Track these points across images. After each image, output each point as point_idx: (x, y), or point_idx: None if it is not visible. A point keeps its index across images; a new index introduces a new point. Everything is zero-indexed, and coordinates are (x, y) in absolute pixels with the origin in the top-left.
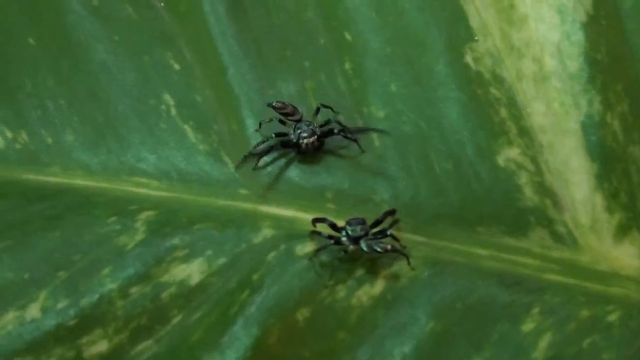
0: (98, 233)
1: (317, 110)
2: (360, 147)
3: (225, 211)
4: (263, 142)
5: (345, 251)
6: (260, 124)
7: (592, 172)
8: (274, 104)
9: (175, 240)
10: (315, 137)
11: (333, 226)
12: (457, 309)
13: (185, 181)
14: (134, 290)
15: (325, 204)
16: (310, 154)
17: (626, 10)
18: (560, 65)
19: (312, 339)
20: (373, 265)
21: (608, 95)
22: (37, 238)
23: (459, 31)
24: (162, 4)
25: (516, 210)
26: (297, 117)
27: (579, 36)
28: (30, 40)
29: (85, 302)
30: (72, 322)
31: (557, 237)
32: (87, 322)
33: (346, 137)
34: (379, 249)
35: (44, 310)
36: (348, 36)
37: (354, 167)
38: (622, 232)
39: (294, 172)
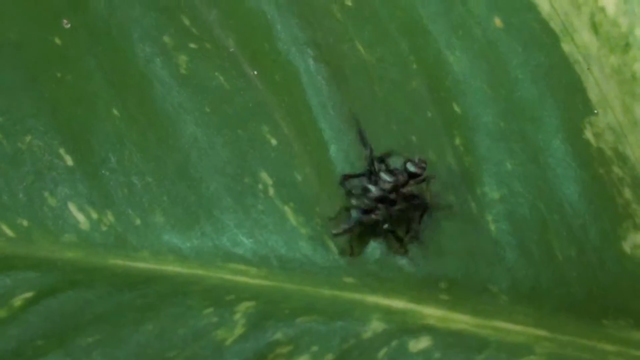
0: (193, 326)
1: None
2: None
3: (330, 302)
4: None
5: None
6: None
7: None
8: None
9: (278, 335)
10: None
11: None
12: None
13: (286, 269)
14: None
15: (438, 294)
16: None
17: None
18: None
19: None
20: None
21: None
22: (128, 332)
23: (577, 104)
24: (256, 72)
25: None
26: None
27: None
28: (115, 112)
29: None
30: None
31: None
32: None
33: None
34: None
35: None
36: (457, 109)
37: (468, 254)
38: None
39: (404, 259)
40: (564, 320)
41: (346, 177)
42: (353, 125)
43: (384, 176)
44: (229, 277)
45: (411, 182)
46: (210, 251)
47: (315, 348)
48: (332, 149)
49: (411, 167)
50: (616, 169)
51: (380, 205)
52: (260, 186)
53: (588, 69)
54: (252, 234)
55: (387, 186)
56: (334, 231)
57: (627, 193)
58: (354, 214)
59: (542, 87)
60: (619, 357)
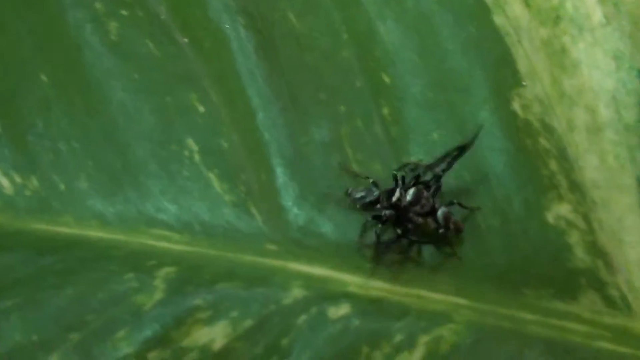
0: (113, 291)
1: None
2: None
3: (252, 268)
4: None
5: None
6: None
7: None
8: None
9: (198, 300)
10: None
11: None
12: None
13: (209, 235)
14: (152, 355)
15: (360, 262)
16: None
17: None
18: (616, 115)
19: None
20: (412, 328)
21: None
22: (47, 295)
23: (506, 76)
24: (186, 40)
25: (566, 271)
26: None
27: (636, 84)
28: (43, 77)
29: None
30: None
31: (609, 302)
32: None
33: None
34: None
35: None
36: (386, 79)
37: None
38: None
39: (328, 227)
40: (485, 289)
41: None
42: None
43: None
44: (151, 242)
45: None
46: (134, 217)
47: (234, 313)
48: (260, 117)
49: (440, 215)
50: (542, 141)
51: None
52: (186, 153)
53: (518, 41)
54: (176, 200)
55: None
56: (371, 256)
57: (553, 164)
58: (378, 230)
59: (472, 59)
60: (539, 326)
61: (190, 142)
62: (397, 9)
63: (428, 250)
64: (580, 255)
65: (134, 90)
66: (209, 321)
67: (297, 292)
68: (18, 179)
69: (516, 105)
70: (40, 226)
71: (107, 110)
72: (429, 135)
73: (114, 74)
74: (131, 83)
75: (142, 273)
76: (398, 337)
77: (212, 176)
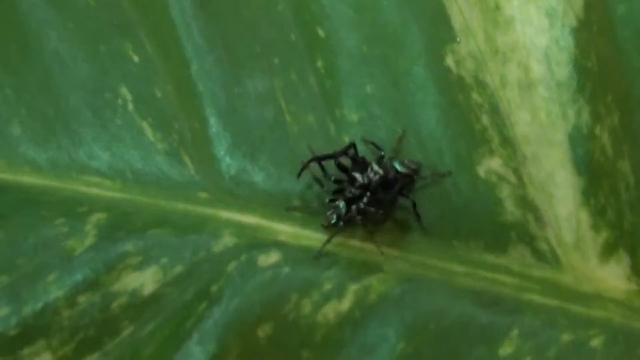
0: (44, 235)
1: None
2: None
3: (183, 216)
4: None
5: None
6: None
7: (578, 187)
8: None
9: (128, 246)
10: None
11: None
12: (431, 330)
13: (141, 182)
14: (81, 299)
15: (291, 211)
16: None
17: (619, 16)
18: (548, 72)
19: (274, 358)
20: (342, 277)
21: (597, 106)
22: None
23: (440, 31)
24: None
25: (496, 225)
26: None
27: (568, 42)
28: None
29: (28, 310)
30: (13, 332)
31: (538, 255)
32: (30, 332)
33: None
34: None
35: None
36: (321, 32)
37: (323, 171)
38: (608, 251)
39: (259, 176)
40: (415, 240)
41: (317, 160)
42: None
43: (375, 167)
44: (83, 189)
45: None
46: (66, 163)
47: (164, 260)
48: (194, 67)
49: (399, 167)
50: (475, 96)
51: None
52: (119, 101)
53: None
54: (108, 148)
55: (376, 177)
56: (325, 224)
57: (485, 119)
58: (341, 205)
59: (407, 14)
60: (468, 278)
61: (124, 91)
62: None
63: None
64: (511, 209)
65: (69, 39)
66: (139, 267)
67: (227, 240)
68: None
69: (450, 61)
70: None
71: (41, 58)
72: (363, 89)
73: (49, 23)
74: (66, 32)
75: (74, 219)
76: (327, 286)
77: (145, 125)
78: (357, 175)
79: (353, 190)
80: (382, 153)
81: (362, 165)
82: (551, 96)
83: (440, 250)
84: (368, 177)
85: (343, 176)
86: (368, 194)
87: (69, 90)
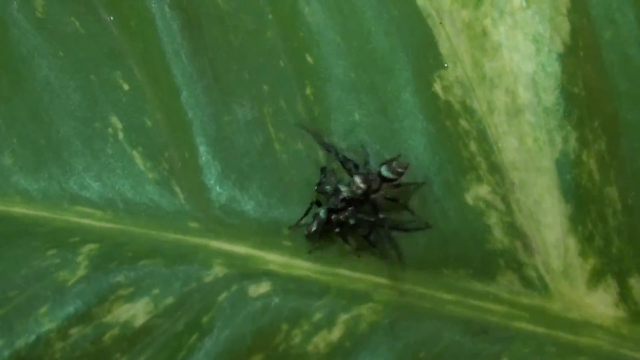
0: (36, 267)
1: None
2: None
3: (174, 246)
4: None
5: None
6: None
7: (566, 213)
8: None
9: (120, 277)
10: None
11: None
12: (421, 359)
13: (132, 212)
14: (73, 331)
15: (281, 240)
16: None
17: (606, 41)
18: (535, 98)
19: None
20: (332, 307)
21: (585, 132)
22: None
23: (428, 58)
24: (112, 18)
25: (484, 252)
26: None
27: (555, 68)
28: None
29: (20, 343)
30: None
31: (527, 282)
32: None
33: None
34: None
35: None
36: (310, 59)
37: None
38: (596, 278)
39: (249, 205)
40: (404, 268)
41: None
42: (205, 73)
43: (357, 180)
44: (74, 219)
45: (384, 186)
46: (58, 194)
47: (156, 291)
48: (184, 95)
49: (385, 172)
50: (463, 122)
51: (348, 207)
52: (110, 130)
53: (440, 23)
54: (99, 177)
55: (359, 191)
56: (306, 232)
57: (473, 146)
58: (322, 213)
59: (395, 40)
60: (457, 306)
61: (115, 120)
62: None
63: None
64: (499, 236)
65: (59, 67)
66: (131, 298)
67: (218, 270)
68: None
69: (437, 87)
70: None
71: (32, 87)
72: (351, 116)
73: (40, 51)
74: (57, 60)
75: (65, 250)
76: (317, 316)
77: (135, 154)
78: (341, 187)
79: (334, 201)
80: (368, 157)
81: (348, 175)
82: (538, 122)
83: (429, 278)
84: (351, 190)
85: (330, 186)
86: (350, 208)
87: (60, 120)
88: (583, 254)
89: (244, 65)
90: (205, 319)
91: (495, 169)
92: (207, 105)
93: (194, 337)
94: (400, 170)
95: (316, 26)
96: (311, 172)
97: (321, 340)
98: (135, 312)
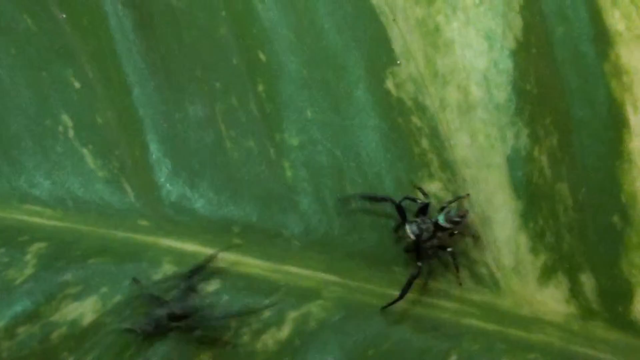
0: None
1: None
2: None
3: (123, 244)
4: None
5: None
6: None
7: (517, 210)
8: None
9: (68, 276)
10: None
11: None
12: (370, 356)
13: (81, 210)
14: (21, 330)
15: (231, 238)
16: None
17: (558, 38)
18: (487, 94)
19: None
20: (281, 304)
21: (536, 129)
22: None
23: (381, 55)
24: (64, 16)
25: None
26: None
27: (507, 64)
28: None
29: None
30: None
31: (477, 279)
32: None
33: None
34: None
35: None
36: (262, 56)
37: (263, 199)
38: (547, 274)
39: (199, 203)
40: (355, 266)
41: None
42: (157, 71)
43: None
44: (24, 218)
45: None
46: (7, 192)
47: (104, 289)
48: (135, 93)
49: (443, 221)
50: (415, 119)
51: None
52: (60, 128)
53: (394, 20)
54: (49, 176)
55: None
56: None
57: (425, 143)
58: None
59: (347, 37)
60: (408, 303)
61: (65, 118)
62: None
63: (299, 228)
64: None
65: (10, 65)
66: (79, 296)
67: (167, 268)
68: None
69: (390, 84)
70: None
71: None
72: (303, 113)
73: None
74: (7, 58)
75: (14, 248)
76: (267, 313)
77: (86, 152)
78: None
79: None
80: (428, 201)
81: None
82: (490, 119)
83: (379, 275)
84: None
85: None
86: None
87: (10, 117)
88: (534, 251)
89: (197, 62)
90: None
91: (447, 165)
92: (158, 103)
93: (142, 335)
94: (456, 219)
95: (269, 23)
96: (262, 169)
97: (270, 338)
98: (83, 310)
